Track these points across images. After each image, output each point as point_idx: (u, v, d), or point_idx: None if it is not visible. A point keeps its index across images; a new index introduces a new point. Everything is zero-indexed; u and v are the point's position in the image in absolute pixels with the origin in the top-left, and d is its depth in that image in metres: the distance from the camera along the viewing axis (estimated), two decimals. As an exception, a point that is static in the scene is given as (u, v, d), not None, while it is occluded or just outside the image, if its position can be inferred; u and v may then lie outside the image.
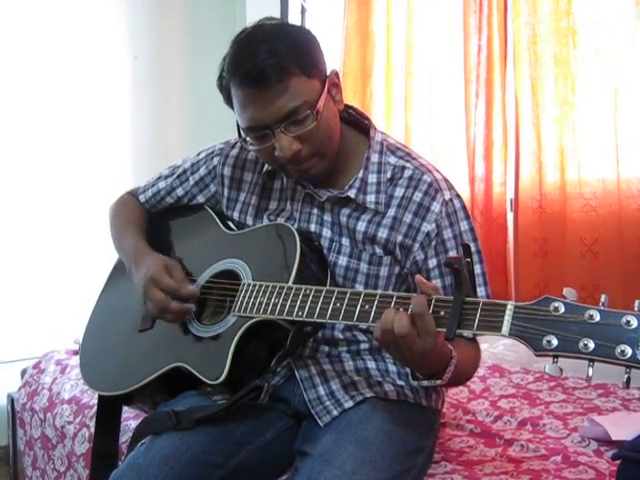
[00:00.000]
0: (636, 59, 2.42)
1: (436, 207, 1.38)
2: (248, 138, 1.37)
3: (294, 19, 3.55)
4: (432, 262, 1.38)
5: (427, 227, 1.37)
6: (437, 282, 1.37)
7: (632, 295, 2.34)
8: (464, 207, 1.42)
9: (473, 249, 1.37)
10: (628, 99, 2.45)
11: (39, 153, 2.96)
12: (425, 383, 1.18)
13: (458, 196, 1.43)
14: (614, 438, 1.54)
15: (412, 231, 1.38)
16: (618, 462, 1.26)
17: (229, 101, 1.37)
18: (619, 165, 2.46)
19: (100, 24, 3.15)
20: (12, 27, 2.89)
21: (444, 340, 1.11)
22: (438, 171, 1.44)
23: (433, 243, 1.37)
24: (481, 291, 1.37)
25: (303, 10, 3.60)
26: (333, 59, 3.22)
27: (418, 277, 1.13)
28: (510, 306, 1.01)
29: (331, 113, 1.36)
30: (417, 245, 1.38)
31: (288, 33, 1.32)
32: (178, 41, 3.48)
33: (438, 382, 1.17)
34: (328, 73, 1.37)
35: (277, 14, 3.43)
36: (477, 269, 1.36)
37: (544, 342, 0.95)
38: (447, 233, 1.38)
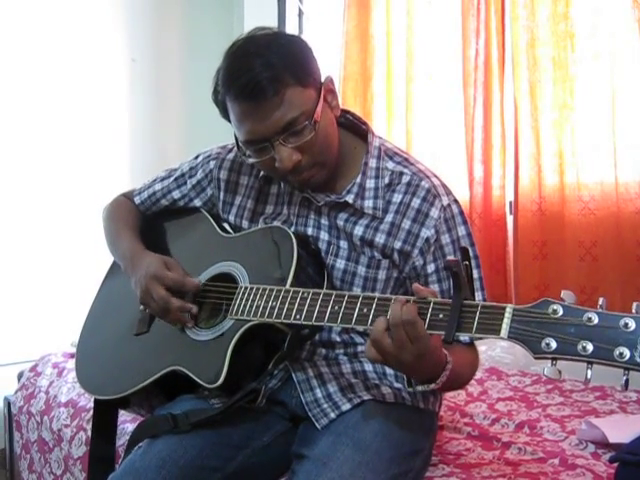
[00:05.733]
0: (634, 62, 2.43)
1: (435, 213, 1.38)
2: (247, 151, 1.37)
3: (292, 23, 3.55)
4: (430, 267, 1.38)
5: (426, 233, 1.37)
6: (435, 287, 1.37)
7: (630, 297, 2.35)
8: (462, 212, 1.42)
9: (471, 254, 1.36)
10: (626, 102, 2.46)
11: (36, 155, 2.95)
12: (419, 388, 1.18)
13: (456, 201, 1.43)
14: (612, 441, 1.53)
15: (411, 237, 1.38)
16: (616, 465, 1.26)
17: (225, 115, 1.37)
18: (617, 168, 2.46)
19: (98, 27, 3.15)
20: (10, 29, 2.88)
21: (440, 344, 1.11)
22: (436, 176, 1.44)
23: (432, 249, 1.37)
24: (478, 296, 1.37)
25: (300, 14, 3.60)
26: (332, 63, 3.23)
27: (415, 286, 1.13)
28: (509, 309, 1.01)
29: (329, 121, 1.36)
30: (416, 251, 1.38)
31: (281, 44, 1.32)
32: (176, 44, 3.48)
33: (432, 386, 1.16)
34: (323, 80, 1.37)
35: (274, 18, 3.44)
36: (474, 274, 1.36)
37: (543, 345, 0.95)
38: (445, 238, 1.38)
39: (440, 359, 1.15)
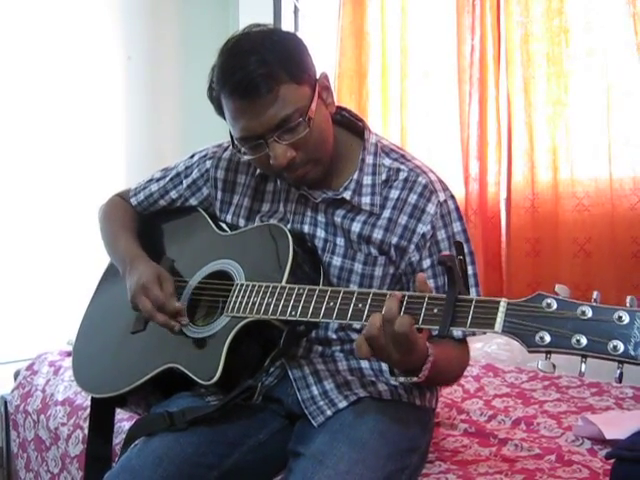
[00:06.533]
0: (628, 58, 2.42)
1: (431, 208, 1.38)
2: (242, 148, 1.37)
3: (287, 20, 3.55)
4: (426, 263, 1.38)
5: (422, 229, 1.38)
6: (430, 282, 1.37)
7: (625, 294, 2.32)
8: (458, 208, 1.43)
9: (466, 250, 1.37)
10: (620, 98, 2.46)
11: (31, 154, 2.95)
12: (402, 380, 1.17)
13: (452, 197, 1.43)
14: (608, 437, 1.54)
15: (407, 233, 1.38)
16: (612, 461, 1.26)
17: (220, 112, 1.37)
18: (611, 164, 2.46)
19: (94, 24, 3.14)
20: (5, 27, 2.88)
21: (425, 338, 1.12)
22: (433, 172, 1.44)
23: (428, 244, 1.38)
24: (473, 292, 1.37)
25: (296, 10, 3.60)
26: (328, 60, 3.23)
27: (421, 275, 1.13)
28: (503, 303, 1.01)
29: (323, 117, 1.36)
30: (413, 246, 1.38)
31: (276, 41, 1.32)
32: (172, 41, 3.47)
33: (414, 379, 1.16)
34: (318, 76, 1.37)
35: (270, 14, 3.43)
36: (469, 270, 1.36)
37: (537, 338, 0.96)
38: (441, 234, 1.38)
39: (423, 352, 1.14)
